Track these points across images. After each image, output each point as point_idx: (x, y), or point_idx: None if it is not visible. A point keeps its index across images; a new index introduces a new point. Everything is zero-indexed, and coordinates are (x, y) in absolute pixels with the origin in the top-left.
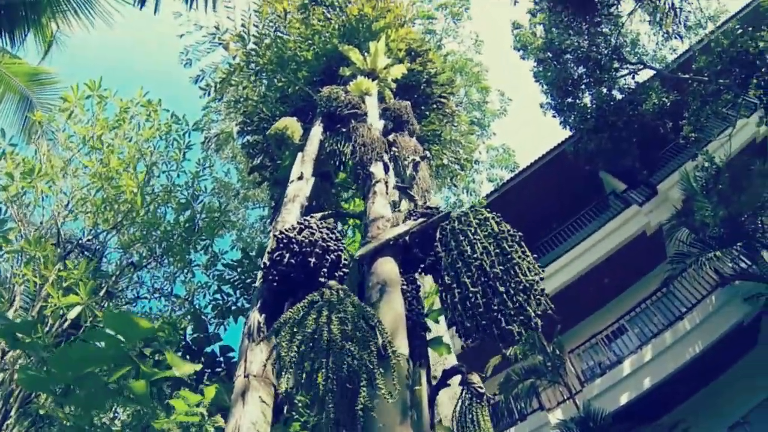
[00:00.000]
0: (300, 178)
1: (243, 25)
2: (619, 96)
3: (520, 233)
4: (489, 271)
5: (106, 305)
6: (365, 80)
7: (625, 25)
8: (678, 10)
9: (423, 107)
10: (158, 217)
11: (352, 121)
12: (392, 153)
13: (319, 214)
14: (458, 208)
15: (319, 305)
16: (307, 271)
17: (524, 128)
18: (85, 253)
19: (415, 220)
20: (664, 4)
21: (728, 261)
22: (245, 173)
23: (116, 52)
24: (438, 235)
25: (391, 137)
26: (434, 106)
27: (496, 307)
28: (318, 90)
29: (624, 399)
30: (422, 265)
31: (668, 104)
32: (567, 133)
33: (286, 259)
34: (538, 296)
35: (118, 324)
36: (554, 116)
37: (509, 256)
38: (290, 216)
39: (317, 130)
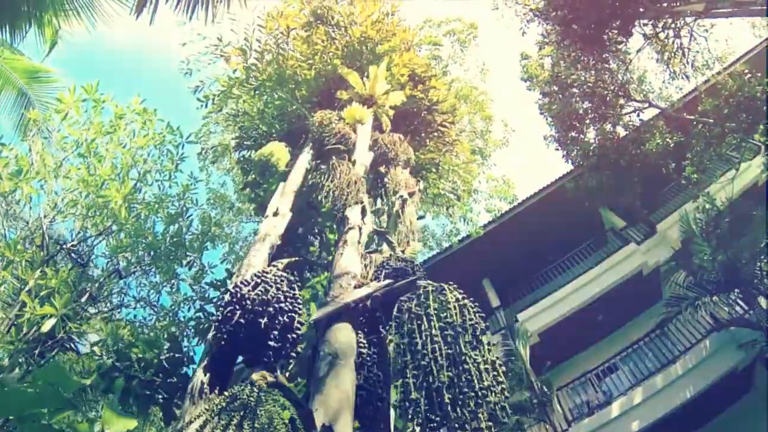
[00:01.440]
0: (276, 213)
1: (246, 39)
2: (622, 132)
3: (485, 322)
4: (437, 376)
5: (88, 310)
6: (359, 108)
7: (633, 61)
8: (686, 50)
9: (423, 135)
10: (146, 227)
11: (333, 158)
12: (383, 183)
13: (284, 261)
14: (455, 236)
15: (234, 406)
16: (257, 332)
17: (526, 158)
18: (72, 255)
19: (383, 278)
20: (673, 43)
21: (724, 306)
22: (239, 183)
23: (126, 54)
24: (395, 311)
25: (382, 168)
26: (434, 134)
27: (438, 416)
28: (314, 112)
29: None
30: (388, 324)
31: (672, 145)
32: (568, 166)
33: (236, 318)
34: (493, 405)
35: (50, 378)
36: (557, 149)
37: (464, 356)
38: (256, 259)
39: (304, 158)
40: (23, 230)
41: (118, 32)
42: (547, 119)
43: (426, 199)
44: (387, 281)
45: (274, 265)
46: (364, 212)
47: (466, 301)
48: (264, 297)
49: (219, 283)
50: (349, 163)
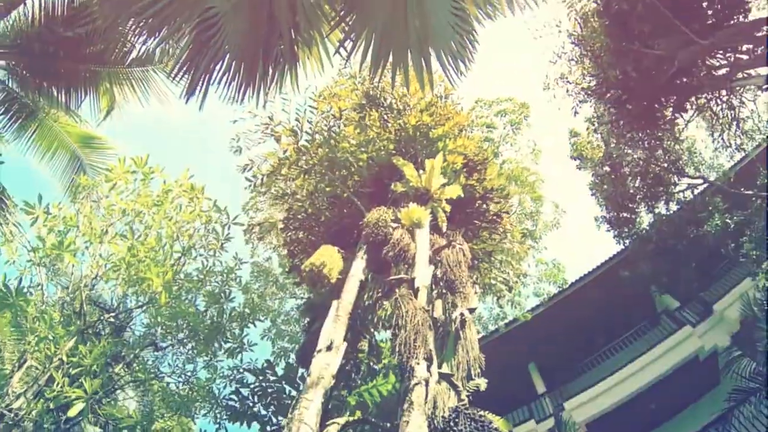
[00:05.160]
0: (329, 348)
1: (297, 120)
2: (675, 208)
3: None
4: None
5: (123, 378)
6: (417, 209)
7: (682, 132)
8: (740, 120)
9: (476, 223)
10: (186, 303)
11: (396, 291)
12: (443, 296)
13: (341, 422)
14: (501, 320)
15: None
16: None
17: (576, 236)
18: (110, 321)
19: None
20: (726, 115)
21: None
22: (285, 261)
23: (177, 125)
24: None
25: (440, 273)
26: (488, 224)
27: None
28: (367, 201)
29: None
30: None
31: (732, 226)
32: (618, 245)
33: None
34: None
35: None
36: (608, 230)
37: None
38: (309, 412)
39: (358, 267)
40: (64, 290)
41: (171, 106)
42: (598, 200)
43: (476, 289)
44: None
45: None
46: (430, 361)
47: None
48: None
49: (258, 370)
50: (415, 302)
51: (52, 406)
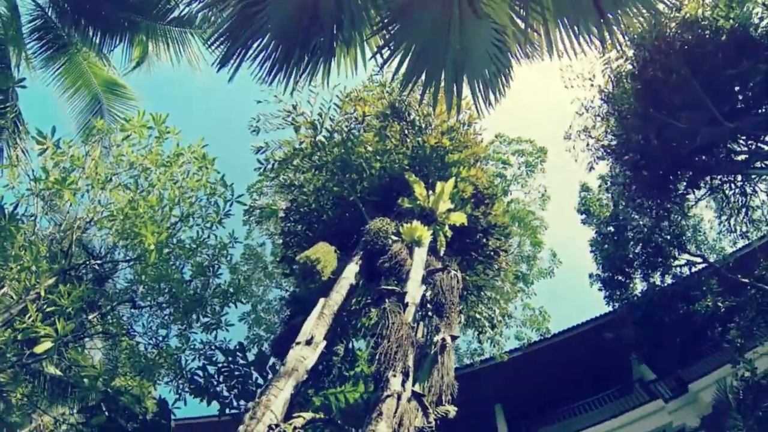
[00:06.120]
0: (309, 342)
1: (319, 114)
2: (669, 280)
3: None
4: None
5: (95, 327)
6: (420, 227)
7: (691, 208)
8: (750, 208)
9: (473, 253)
10: (173, 269)
11: (386, 302)
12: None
13: (306, 417)
14: (477, 356)
15: None
16: None
17: (567, 288)
18: (95, 268)
19: None
20: (737, 200)
21: None
22: (278, 250)
23: (201, 89)
24: None
25: (430, 294)
26: (485, 258)
27: None
28: (372, 209)
29: None
30: None
31: (722, 310)
32: (607, 306)
33: None
34: None
35: None
36: (600, 290)
37: None
38: (277, 400)
39: (351, 270)
40: (56, 227)
41: (200, 73)
42: (596, 257)
43: (461, 319)
44: None
45: (293, 426)
46: (406, 377)
47: None
48: None
49: (229, 351)
50: (402, 316)
51: (20, 337)
